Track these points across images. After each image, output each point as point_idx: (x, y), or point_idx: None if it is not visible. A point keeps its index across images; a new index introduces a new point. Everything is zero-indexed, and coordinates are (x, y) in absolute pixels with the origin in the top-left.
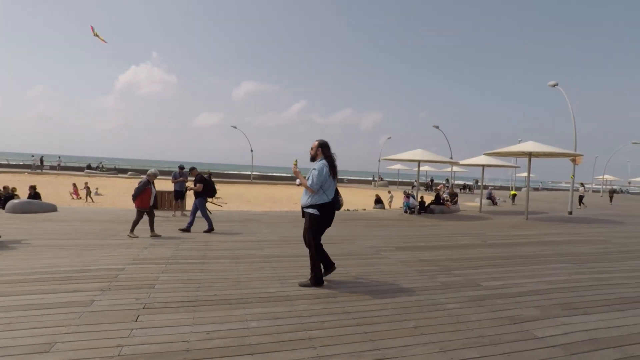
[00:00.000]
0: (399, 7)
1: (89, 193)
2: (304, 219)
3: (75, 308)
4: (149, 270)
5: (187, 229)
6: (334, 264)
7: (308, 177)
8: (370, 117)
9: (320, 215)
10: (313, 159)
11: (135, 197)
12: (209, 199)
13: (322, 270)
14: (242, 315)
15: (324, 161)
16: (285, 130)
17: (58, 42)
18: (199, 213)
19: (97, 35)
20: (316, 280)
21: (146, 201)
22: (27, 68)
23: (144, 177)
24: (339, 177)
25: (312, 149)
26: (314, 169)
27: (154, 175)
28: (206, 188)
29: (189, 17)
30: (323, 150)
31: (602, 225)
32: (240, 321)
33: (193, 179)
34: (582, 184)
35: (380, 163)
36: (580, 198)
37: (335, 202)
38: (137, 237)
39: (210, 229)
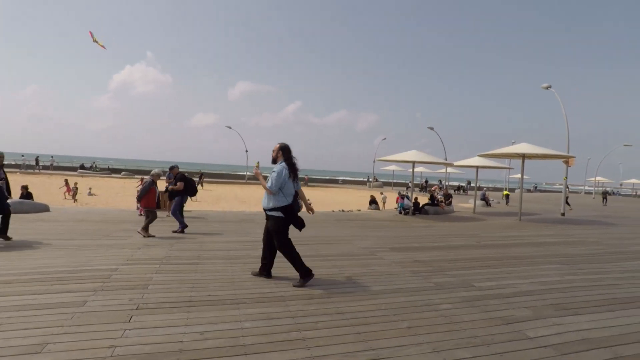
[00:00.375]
0: (399, 7)
1: (76, 193)
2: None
3: (68, 309)
4: (142, 271)
5: (181, 230)
6: (269, 273)
7: (267, 179)
8: (367, 117)
9: (285, 217)
10: (274, 161)
11: (140, 197)
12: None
13: (266, 265)
14: (236, 316)
15: (283, 164)
16: (282, 131)
17: (56, 42)
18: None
19: (96, 42)
20: (305, 274)
21: (152, 201)
22: (25, 68)
23: (144, 177)
24: (334, 177)
25: (273, 151)
26: (274, 171)
27: (158, 176)
28: (187, 187)
29: (184, 17)
30: (284, 153)
31: (594, 227)
32: (234, 321)
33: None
34: (567, 187)
35: (375, 164)
36: (565, 199)
37: (295, 204)
38: (153, 236)
39: (183, 228)
